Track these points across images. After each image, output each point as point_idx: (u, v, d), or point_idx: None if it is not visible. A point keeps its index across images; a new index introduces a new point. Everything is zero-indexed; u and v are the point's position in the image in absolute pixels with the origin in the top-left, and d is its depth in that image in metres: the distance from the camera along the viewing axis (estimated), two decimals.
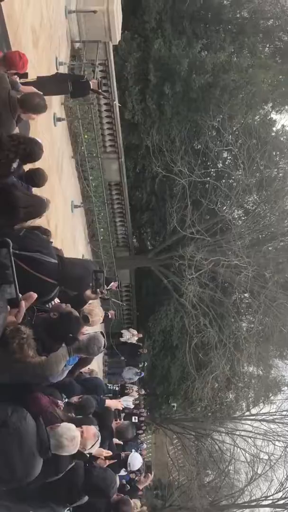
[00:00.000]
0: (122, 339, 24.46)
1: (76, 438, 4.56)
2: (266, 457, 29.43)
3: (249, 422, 30.95)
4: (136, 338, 24.83)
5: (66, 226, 17.83)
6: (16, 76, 6.38)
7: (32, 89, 6.31)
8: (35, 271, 4.69)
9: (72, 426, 4.64)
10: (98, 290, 5.37)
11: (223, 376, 26.26)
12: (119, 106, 20.73)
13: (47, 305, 4.98)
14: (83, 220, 22.05)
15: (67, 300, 5.06)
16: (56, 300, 5.20)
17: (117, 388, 22.72)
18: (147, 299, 28.04)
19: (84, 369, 7.69)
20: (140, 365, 24.46)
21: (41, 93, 6.12)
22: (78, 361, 5.79)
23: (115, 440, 7.80)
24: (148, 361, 26.25)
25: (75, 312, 4.54)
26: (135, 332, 25.15)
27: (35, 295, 2.56)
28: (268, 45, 28.37)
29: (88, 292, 5.39)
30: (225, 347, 24.67)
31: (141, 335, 25.25)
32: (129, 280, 27.60)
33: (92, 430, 5.18)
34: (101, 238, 23.04)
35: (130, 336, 24.78)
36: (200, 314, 23.99)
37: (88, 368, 8.03)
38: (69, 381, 6.37)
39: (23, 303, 2.48)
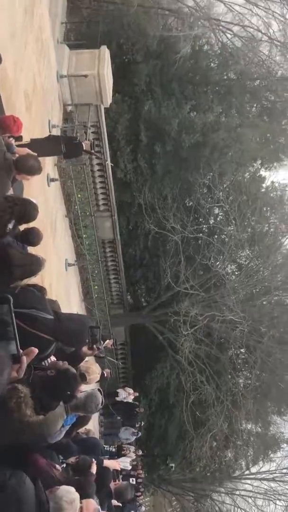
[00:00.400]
0: (118, 399, 24.11)
1: (75, 500, 4.46)
2: None
3: (249, 481, 30.27)
4: (132, 397, 24.48)
5: (60, 285, 17.84)
6: (11, 139, 6.55)
7: (27, 151, 6.46)
8: (31, 328, 4.69)
9: (72, 489, 4.53)
10: (94, 346, 5.38)
11: (222, 434, 25.89)
12: (111, 165, 21.11)
13: (43, 363, 4.97)
14: (77, 278, 22.09)
15: (63, 357, 5.07)
16: (52, 358, 5.20)
17: (113, 449, 22.26)
18: (143, 357, 27.83)
19: (81, 429, 7.59)
20: (137, 425, 24.05)
21: (36, 154, 6.26)
22: (75, 421, 5.74)
23: (114, 502, 7.64)
24: (145, 420, 25.85)
25: (72, 369, 4.54)
26: (131, 391, 24.82)
27: (36, 350, 2.58)
28: (255, 105, 29.12)
29: (85, 349, 5.39)
30: (223, 404, 24.42)
31: (137, 394, 24.92)
32: (124, 338, 27.46)
33: (93, 505, 5.06)
34: (96, 295, 23.06)
35: (126, 395, 24.45)
36: (196, 371, 23.84)
37: (85, 428, 7.93)
38: (66, 441, 6.28)
39: (24, 358, 2.50)
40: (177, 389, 26.32)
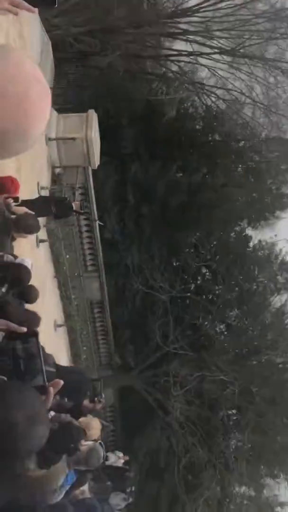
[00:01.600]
0: (107, 463, 23.46)
1: None
2: None
3: None
4: (122, 461, 23.87)
5: (49, 346, 17.53)
6: (10, 199, 6.63)
7: (25, 209, 6.53)
8: None
9: None
10: (96, 399, 5.31)
11: (214, 499, 25.20)
12: (100, 224, 21.23)
13: None
14: (65, 339, 21.91)
15: (64, 411, 4.97)
16: (52, 413, 5.09)
17: None
18: (132, 419, 27.26)
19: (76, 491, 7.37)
20: (127, 490, 23.35)
21: (34, 213, 6.33)
22: (74, 481, 5.58)
23: None
24: (135, 485, 25.12)
25: (75, 421, 4.47)
26: (121, 454, 24.20)
27: (61, 382, 2.56)
28: (240, 165, 29.64)
29: (86, 402, 5.31)
30: (215, 467, 23.89)
31: (127, 458, 24.32)
32: (112, 400, 27.00)
33: None
34: (84, 357, 22.86)
35: (116, 459, 23.82)
36: (187, 433, 23.42)
37: (80, 489, 7.70)
38: (62, 502, 6.09)
39: (51, 389, 2.49)
40: (168, 452, 25.74)
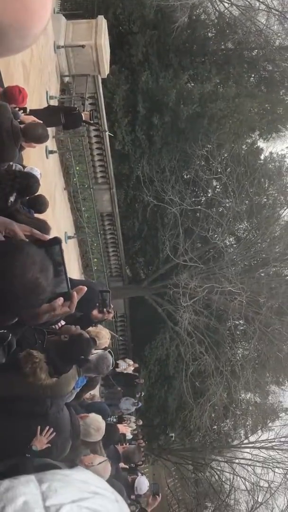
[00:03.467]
0: (118, 370, 24.30)
1: (101, 428, 5.32)
2: (266, 485, 29.06)
3: (248, 450, 30.65)
4: (132, 368, 24.70)
5: None
6: (17, 109, 6.54)
7: (33, 118, 6.46)
8: None
9: (99, 417, 5.38)
10: (105, 309, 5.45)
11: (221, 404, 26.13)
12: (110, 135, 20.99)
13: (54, 327, 4.99)
14: (76, 251, 22.15)
15: (73, 321, 5.11)
16: (62, 322, 5.24)
17: (114, 420, 22.49)
18: (142, 329, 28.01)
19: (86, 395, 7.68)
20: (137, 396, 24.28)
21: (42, 122, 6.26)
22: (85, 385, 5.83)
23: (121, 465, 7.78)
24: (145, 391, 26.09)
25: (85, 333, 4.60)
26: (131, 362, 25.03)
27: (85, 288, 2.70)
28: (253, 75, 28.89)
29: (95, 312, 5.46)
30: (222, 374, 24.62)
31: (137, 365, 25.14)
32: (123, 310, 27.61)
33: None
34: (95, 268, 23.16)
35: (126, 366, 24.65)
36: (195, 342, 23.99)
37: (90, 394, 8.02)
38: (74, 405, 6.38)
39: (75, 294, 2.63)
40: (177, 360, 26.54)
